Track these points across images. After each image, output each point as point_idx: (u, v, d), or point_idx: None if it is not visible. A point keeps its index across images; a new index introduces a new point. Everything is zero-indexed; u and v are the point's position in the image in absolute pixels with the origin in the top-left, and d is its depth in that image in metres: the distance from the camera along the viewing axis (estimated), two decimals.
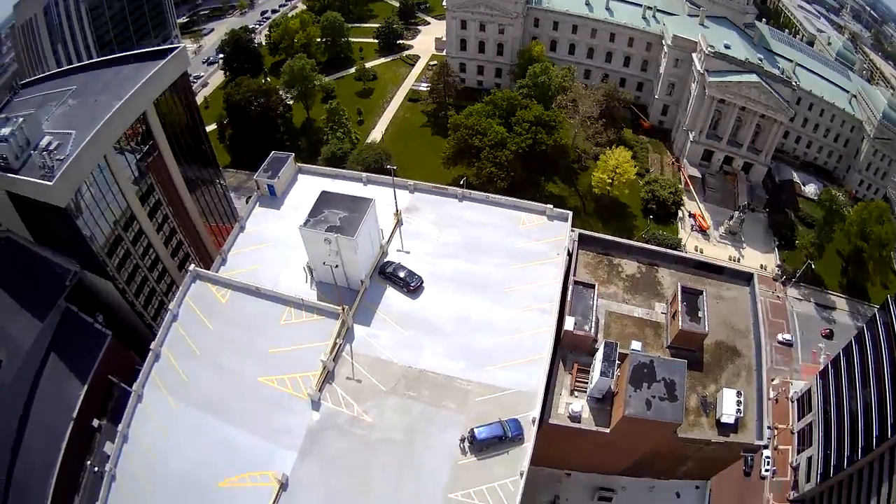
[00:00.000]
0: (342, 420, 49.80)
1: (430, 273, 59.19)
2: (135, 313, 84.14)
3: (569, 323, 55.12)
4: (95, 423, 70.14)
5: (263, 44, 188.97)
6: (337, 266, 53.35)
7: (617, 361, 51.65)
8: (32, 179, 66.13)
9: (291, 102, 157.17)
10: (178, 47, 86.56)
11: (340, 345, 53.26)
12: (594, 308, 57.28)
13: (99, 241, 75.32)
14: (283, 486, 46.28)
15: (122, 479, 48.68)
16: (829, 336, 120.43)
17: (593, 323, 56.21)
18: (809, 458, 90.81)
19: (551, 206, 65.34)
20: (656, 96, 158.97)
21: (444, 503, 45.73)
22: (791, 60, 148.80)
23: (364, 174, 69.71)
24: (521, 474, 46.46)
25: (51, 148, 68.27)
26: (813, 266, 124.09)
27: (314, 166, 74.64)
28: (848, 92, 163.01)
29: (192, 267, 59.99)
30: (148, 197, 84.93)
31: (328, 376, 51.58)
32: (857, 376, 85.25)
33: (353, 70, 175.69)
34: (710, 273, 65.80)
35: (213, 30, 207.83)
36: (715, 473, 66.68)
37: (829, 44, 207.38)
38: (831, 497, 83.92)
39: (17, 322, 68.69)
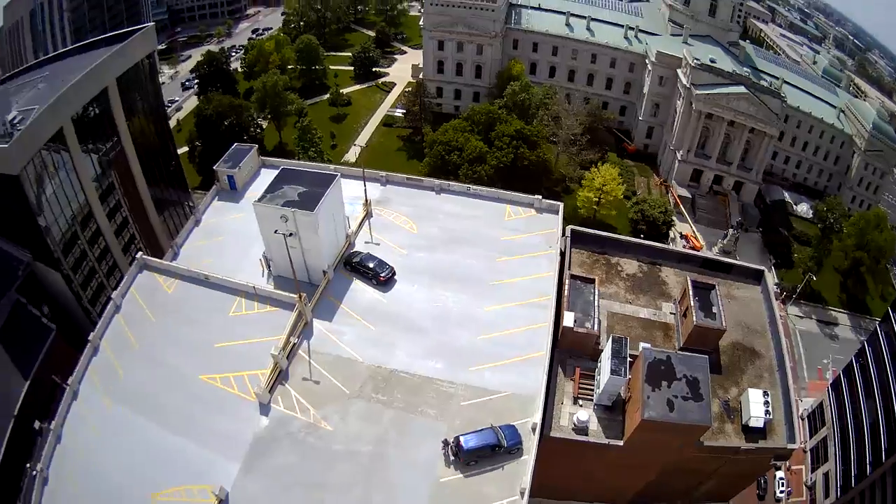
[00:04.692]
0: (295, 427, 41.57)
1: (404, 265, 51.66)
2: (81, 308, 77.87)
3: (568, 319, 47.12)
4: (37, 425, 63.98)
5: (239, 70, 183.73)
6: (291, 234, 45.50)
7: (629, 359, 43.91)
8: None
9: (265, 125, 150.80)
10: (146, 26, 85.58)
11: (297, 341, 45.23)
12: (595, 304, 49.77)
13: (54, 231, 72.92)
14: (222, 502, 38.22)
15: (54, 482, 41.97)
16: None
17: (595, 321, 48.58)
18: (826, 474, 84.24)
19: (540, 197, 58.42)
20: (640, 118, 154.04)
21: None
22: (777, 78, 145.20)
23: (332, 165, 62.81)
24: (523, 494, 37.67)
25: (15, 122, 67.75)
26: (815, 278, 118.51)
27: (279, 159, 67.30)
28: (835, 107, 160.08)
29: (139, 255, 53.00)
30: (108, 196, 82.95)
31: (280, 375, 43.57)
32: (873, 379, 78.72)
33: (327, 96, 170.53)
34: (717, 272, 59.05)
35: (189, 56, 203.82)
36: (737, 492, 58.54)
37: (815, 63, 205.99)
38: None
39: None
